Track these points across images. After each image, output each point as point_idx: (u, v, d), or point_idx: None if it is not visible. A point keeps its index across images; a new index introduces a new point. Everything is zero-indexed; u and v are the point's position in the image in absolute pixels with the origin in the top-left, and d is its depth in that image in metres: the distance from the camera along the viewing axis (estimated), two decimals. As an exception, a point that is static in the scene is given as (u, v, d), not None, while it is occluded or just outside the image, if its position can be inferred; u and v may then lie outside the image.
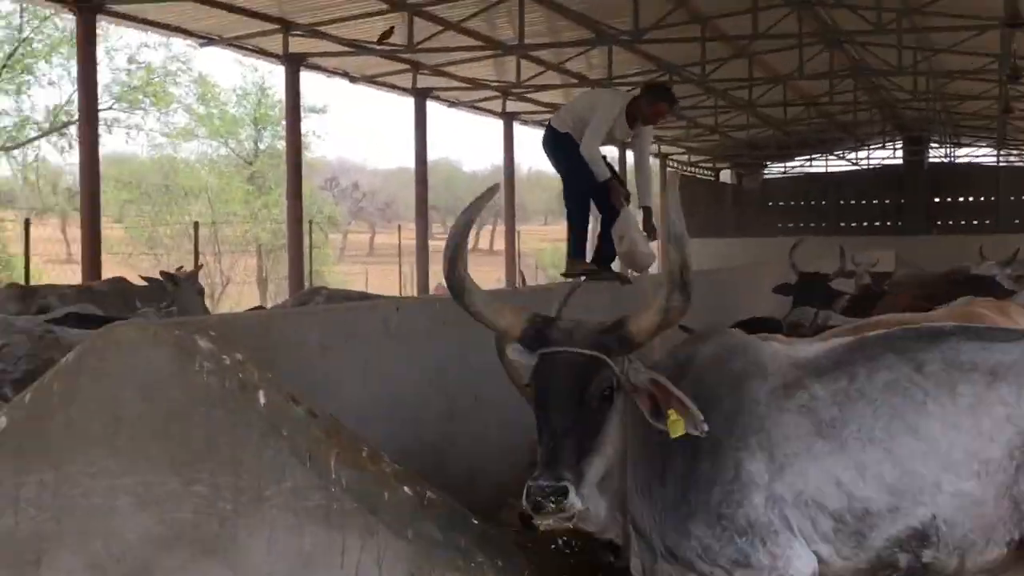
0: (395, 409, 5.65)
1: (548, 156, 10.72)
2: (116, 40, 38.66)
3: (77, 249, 18.72)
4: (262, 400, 3.92)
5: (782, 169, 50.10)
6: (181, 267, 17.51)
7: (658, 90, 10.84)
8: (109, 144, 46.28)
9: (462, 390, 6.00)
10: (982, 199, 47.52)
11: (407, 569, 3.82)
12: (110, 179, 38.78)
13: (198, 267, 17.64)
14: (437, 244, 35.06)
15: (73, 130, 29.00)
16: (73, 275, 19.39)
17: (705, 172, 47.87)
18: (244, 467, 3.88)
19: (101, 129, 20.67)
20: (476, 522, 3.98)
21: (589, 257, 10.67)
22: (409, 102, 27.86)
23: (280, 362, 4.63)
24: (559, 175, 10.74)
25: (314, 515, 3.85)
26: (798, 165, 50.50)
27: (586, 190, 10.19)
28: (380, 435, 5.17)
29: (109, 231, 27.49)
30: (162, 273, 15.68)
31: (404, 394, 5.78)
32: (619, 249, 10.23)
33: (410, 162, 29.04)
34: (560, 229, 33.42)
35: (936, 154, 48.59)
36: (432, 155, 30.54)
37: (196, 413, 3.91)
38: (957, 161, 48.94)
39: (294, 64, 22.86)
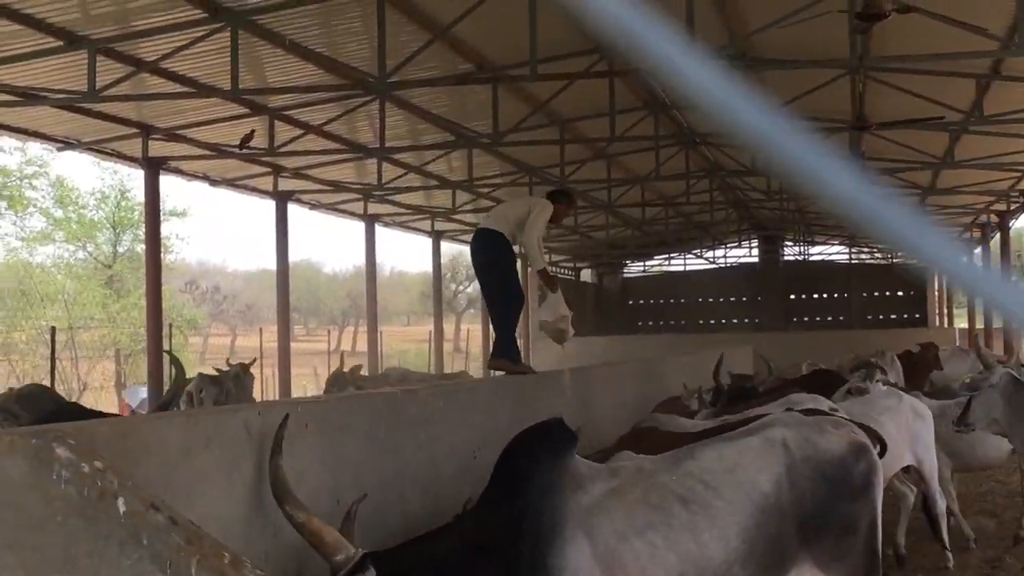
0: (258, 512, 5.61)
1: (482, 254, 11.83)
2: (-31, 144, 38.37)
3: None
4: (122, 508, 3.87)
5: (642, 268, 50.75)
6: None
7: (565, 195, 12.45)
8: (-40, 247, 45.65)
9: (321, 492, 5.96)
10: (835, 295, 48.62)
11: None
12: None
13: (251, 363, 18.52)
14: (299, 346, 34.84)
15: (-75, 235, 28.37)
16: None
17: (566, 271, 48.36)
18: (103, 576, 3.82)
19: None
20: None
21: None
22: (270, 204, 27.82)
23: (141, 468, 4.59)
24: (487, 274, 11.89)
25: (176, 625, 3.80)
26: (657, 264, 51.21)
27: (517, 289, 11.88)
28: (243, 538, 5.13)
29: (-38, 336, 27.00)
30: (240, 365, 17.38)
31: (266, 497, 5.74)
32: (550, 324, 11.80)
33: (271, 264, 28.98)
34: (422, 330, 33.59)
35: (791, 252, 49.63)
36: (293, 256, 30.53)
37: (53, 523, 3.84)
38: (811, 259, 50.00)
39: (154, 168, 22.71)
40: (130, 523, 3.88)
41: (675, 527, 5.46)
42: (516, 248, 11.81)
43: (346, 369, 19.52)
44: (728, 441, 6.10)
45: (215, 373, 17.02)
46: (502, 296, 11.80)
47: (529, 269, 11.73)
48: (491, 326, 12.26)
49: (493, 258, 11.75)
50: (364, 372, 21.24)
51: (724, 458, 5.83)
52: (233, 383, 16.34)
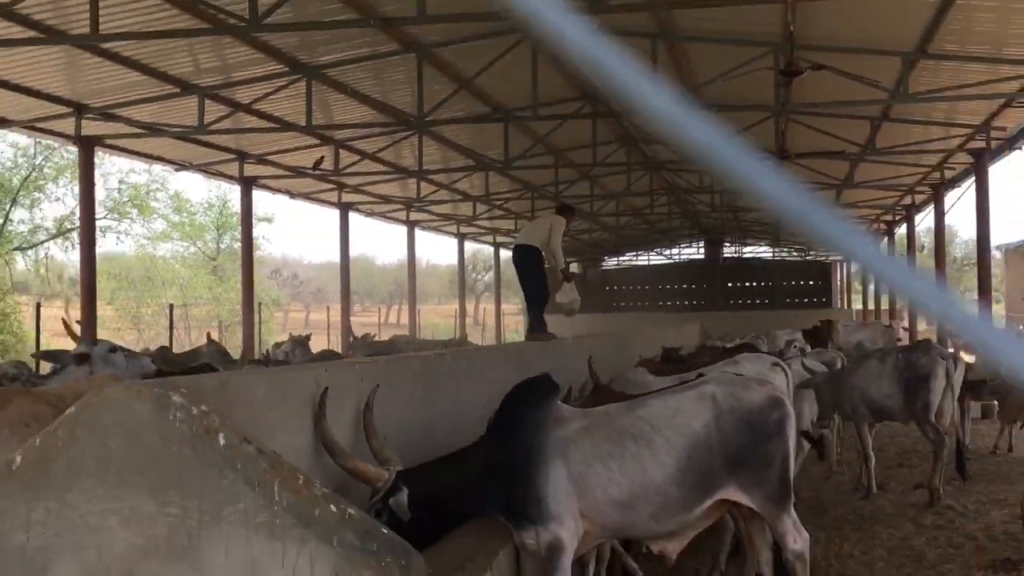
0: (322, 447, 5.60)
1: (522, 262, 12.46)
2: (110, 165, 38.63)
3: (77, 326, 18.44)
4: (222, 441, 3.87)
5: (616, 262, 50.70)
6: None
7: (570, 208, 13.25)
8: (103, 245, 45.82)
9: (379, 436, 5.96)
10: (762, 284, 48.48)
11: (333, 568, 3.79)
12: (103, 272, 38.27)
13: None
14: (356, 319, 34.81)
15: (75, 235, 28.45)
16: (73, 345, 19.11)
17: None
18: (207, 493, 3.82)
19: (96, 234, 20.33)
20: (385, 531, 3.95)
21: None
22: (336, 212, 27.83)
23: (235, 412, 4.59)
24: (525, 275, 12.52)
25: (261, 529, 3.80)
26: (628, 259, 51.17)
27: (545, 285, 12.53)
28: (312, 465, 5.13)
29: (102, 311, 27.04)
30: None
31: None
32: (566, 304, 12.80)
33: (336, 257, 29.00)
34: (450, 308, 33.57)
35: (729, 251, 49.58)
36: (353, 252, 30.50)
37: (170, 452, 3.85)
38: (744, 256, 49.94)
39: (248, 184, 22.75)
40: (227, 453, 3.87)
41: (627, 457, 5.70)
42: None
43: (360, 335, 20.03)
44: (673, 394, 6.21)
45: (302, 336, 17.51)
46: (537, 291, 12.57)
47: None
48: (526, 310, 13.24)
49: (529, 264, 12.48)
50: (377, 338, 21.45)
51: (668, 406, 5.99)
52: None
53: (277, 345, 18.49)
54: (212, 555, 3.82)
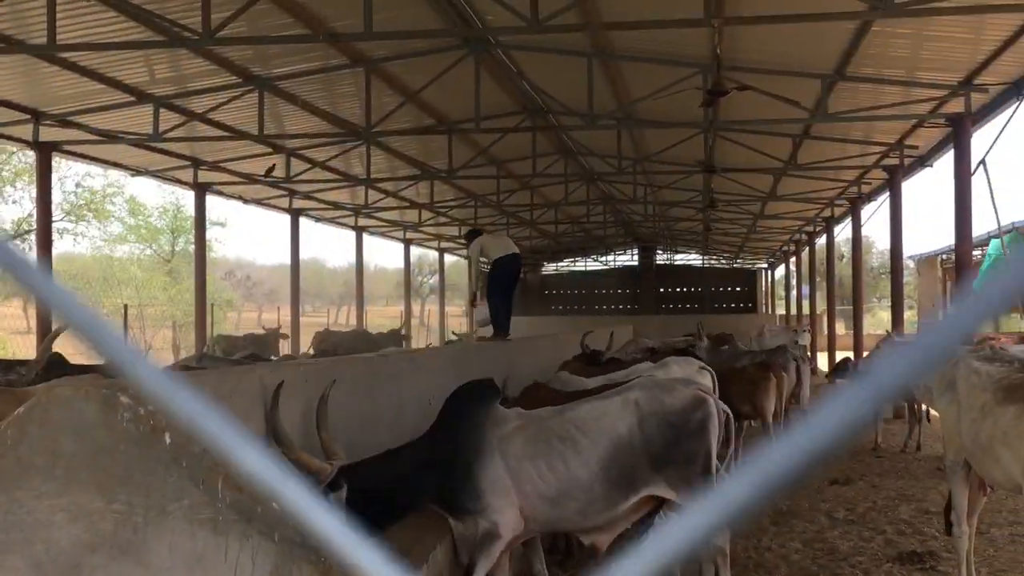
0: (268, 444, 5.57)
1: (512, 268, 12.86)
2: (67, 169, 38.07)
3: (35, 323, 18.19)
4: (168, 440, 3.85)
5: (555, 267, 50.83)
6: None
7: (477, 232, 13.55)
8: (60, 247, 45.21)
9: (312, 436, 5.94)
10: (692, 289, 48.88)
11: (274, 563, 3.77)
12: (60, 273, 37.78)
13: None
14: (307, 319, 34.57)
15: (33, 237, 27.98)
16: (31, 343, 18.90)
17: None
18: (153, 490, 3.79)
19: (53, 236, 20.05)
20: (325, 527, 3.94)
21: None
22: (287, 218, 27.63)
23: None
24: (509, 281, 12.93)
25: (205, 525, 3.78)
26: (566, 265, 51.31)
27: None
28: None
29: (59, 310, 26.71)
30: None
31: (276, 433, 5.72)
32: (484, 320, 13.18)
33: (289, 260, 28.77)
34: (396, 310, 33.46)
35: (661, 258, 49.90)
36: (303, 255, 30.31)
37: (117, 450, 3.82)
38: (676, 263, 50.28)
39: (201, 190, 22.55)
40: (174, 451, 3.85)
41: (554, 456, 5.86)
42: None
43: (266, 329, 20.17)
44: (600, 399, 6.40)
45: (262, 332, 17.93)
46: (511, 296, 13.22)
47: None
48: (501, 312, 13.05)
49: (518, 272, 13.18)
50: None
51: (594, 410, 6.17)
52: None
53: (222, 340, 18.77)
54: (157, 550, 3.79)
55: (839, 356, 22.26)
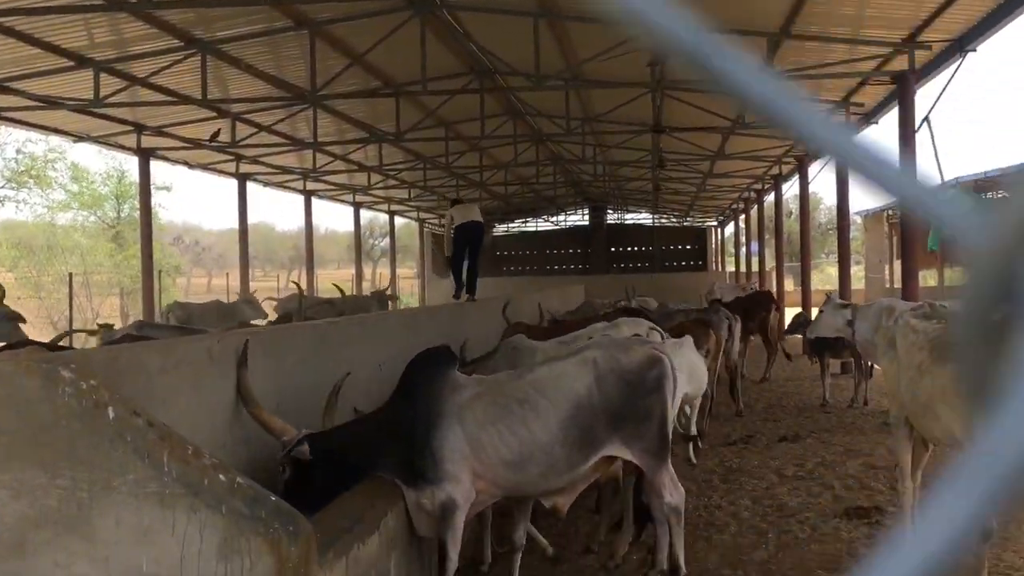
0: (215, 416, 5.53)
1: (477, 234, 14.43)
2: (6, 135, 37.33)
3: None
4: (111, 414, 3.80)
5: (506, 228, 50.79)
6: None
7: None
8: (2, 214, 44.59)
9: (265, 401, 5.91)
10: (643, 248, 49.06)
11: (222, 535, 3.76)
12: (2, 241, 37.28)
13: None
14: (257, 284, 34.34)
15: (-27, 204, 27.50)
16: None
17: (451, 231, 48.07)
18: (97, 465, 3.75)
19: (-5, 204, 19.76)
20: (273, 499, 3.93)
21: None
22: (234, 183, 27.33)
23: (126, 384, 4.51)
24: (466, 244, 14.36)
25: (151, 499, 3.75)
26: (517, 226, 51.26)
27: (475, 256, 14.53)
28: (205, 436, 5.06)
29: (3, 277, 26.31)
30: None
31: (224, 404, 5.68)
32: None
33: (237, 225, 28.49)
34: (347, 273, 33.38)
35: (612, 218, 49.99)
36: (252, 219, 30.05)
37: (60, 426, 3.77)
38: (626, 222, 50.41)
39: (145, 156, 22.20)
40: (117, 425, 3.81)
41: (514, 420, 5.84)
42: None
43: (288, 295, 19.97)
44: (557, 360, 6.41)
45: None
46: (475, 260, 14.67)
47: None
48: (468, 275, 14.77)
49: (478, 237, 14.51)
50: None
51: (552, 372, 6.16)
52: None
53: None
54: (103, 524, 3.76)
55: (788, 313, 22.51)
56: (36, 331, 27.80)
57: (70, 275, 22.85)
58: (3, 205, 38.81)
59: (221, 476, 3.87)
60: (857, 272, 36.87)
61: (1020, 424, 0.54)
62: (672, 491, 6.32)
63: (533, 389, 5.97)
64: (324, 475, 5.55)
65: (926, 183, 0.62)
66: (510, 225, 51.07)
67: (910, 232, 16.32)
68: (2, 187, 37.78)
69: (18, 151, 39.40)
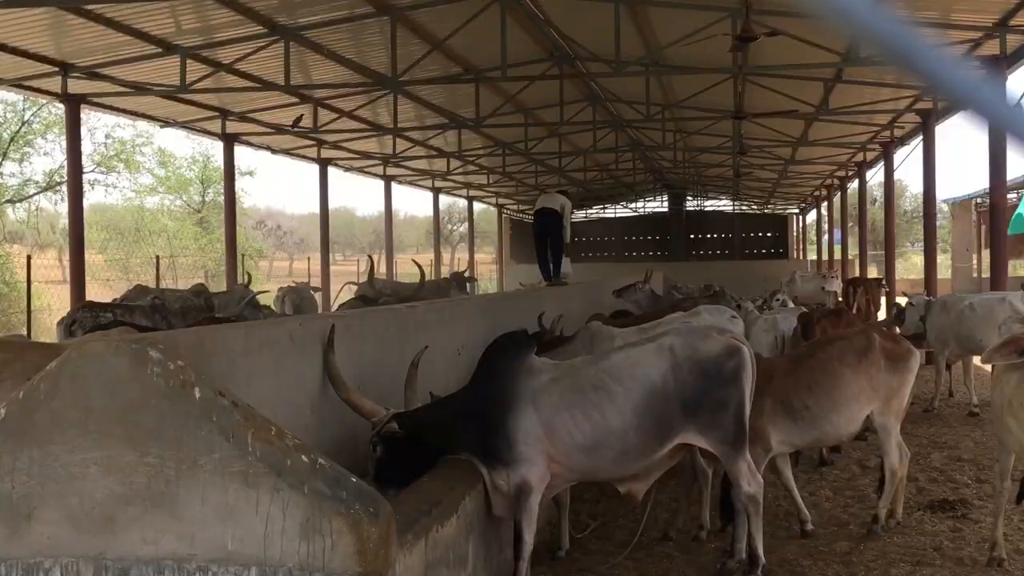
0: (297, 397, 5.62)
1: (548, 224, 15.21)
2: (96, 120, 38.23)
3: (69, 273, 18.46)
4: (197, 394, 3.88)
5: (584, 215, 50.66)
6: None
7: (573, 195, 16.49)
8: (92, 197, 45.64)
9: (347, 379, 5.98)
10: (722, 236, 48.60)
11: (304, 515, 3.81)
12: (93, 223, 38.18)
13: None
14: (337, 268, 34.74)
15: (65, 187, 28.22)
16: (65, 292, 19.14)
17: (529, 218, 48.14)
18: (184, 443, 3.83)
19: (85, 187, 20.21)
20: (354, 480, 3.97)
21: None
22: (316, 168, 27.66)
23: (212, 365, 4.60)
24: (552, 236, 15.23)
25: (236, 478, 3.82)
26: (596, 212, 51.11)
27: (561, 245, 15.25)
28: (286, 417, 5.15)
29: (93, 260, 26.93)
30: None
31: (306, 387, 5.76)
32: (564, 269, 15.47)
33: (318, 209, 28.84)
34: (426, 257, 33.58)
35: (691, 205, 49.61)
36: (333, 204, 30.43)
37: (148, 405, 3.86)
38: (706, 209, 49.98)
39: (230, 141, 22.58)
40: (203, 405, 3.88)
41: (588, 405, 5.88)
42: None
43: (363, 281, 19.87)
44: (634, 347, 6.42)
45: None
46: (558, 247, 15.21)
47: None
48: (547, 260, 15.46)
49: (553, 225, 15.12)
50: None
51: (628, 358, 6.17)
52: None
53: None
54: (190, 502, 3.84)
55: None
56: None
57: (157, 258, 23.30)
58: (93, 188, 39.77)
59: (303, 457, 3.92)
60: (944, 261, 36.09)
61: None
62: (750, 480, 6.27)
63: (607, 375, 5.98)
64: (409, 455, 5.66)
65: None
66: (588, 211, 50.94)
67: (999, 220, 15.93)
68: (92, 171, 38.68)
69: (107, 136, 40.48)
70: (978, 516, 8.08)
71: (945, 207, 40.13)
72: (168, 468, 3.85)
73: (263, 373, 5.22)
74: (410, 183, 35.54)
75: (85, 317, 11.51)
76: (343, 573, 3.74)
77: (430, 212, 39.26)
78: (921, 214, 24.36)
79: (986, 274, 22.31)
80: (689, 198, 49.13)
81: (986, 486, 8.93)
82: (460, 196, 42.52)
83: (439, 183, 36.17)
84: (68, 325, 11.48)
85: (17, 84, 17.16)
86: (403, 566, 4.28)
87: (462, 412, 5.93)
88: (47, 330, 23.78)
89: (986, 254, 27.33)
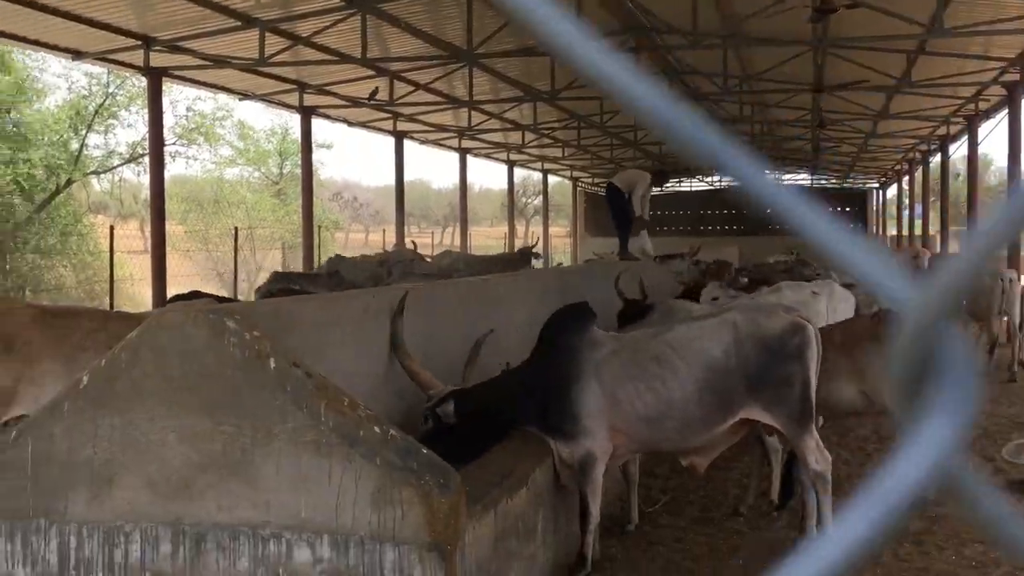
0: (371, 369, 5.68)
1: (610, 199, 16.83)
2: (178, 93, 38.79)
3: (151, 243, 18.89)
4: (272, 365, 3.95)
5: (660, 189, 50.17)
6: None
7: (663, 175, 17.35)
8: (173, 169, 46.41)
9: (420, 356, 6.04)
10: (800, 210, 47.86)
11: (375, 485, 3.86)
12: (174, 194, 38.83)
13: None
14: (412, 241, 35.08)
15: (147, 159, 28.78)
16: (146, 262, 19.59)
17: (603, 191, 47.95)
18: (258, 413, 3.91)
19: (166, 159, 20.57)
20: (424, 451, 4.02)
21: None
22: (391, 140, 27.80)
23: (286, 336, 4.66)
24: (615, 210, 16.66)
25: (309, 447, 3.88)
26: (671, 185, 50.68)
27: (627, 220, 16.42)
28: (359, 388, 5.21)
29: (173, 230, 27.42)
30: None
31: (379, 358, 5.82)
32: (634, 251, 16.44)
33: (394, 181, 29.01)
34: (500, 230, 33.65)
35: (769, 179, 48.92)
36: (409, 176, 30.55)
37: (224, 374, 3.93)
38: (784, 183, 49.20)
39: (307, 113, 22.80)
40: (278, 376, 3.95)
41: (650, 377, 5.94)
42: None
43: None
44: (696, 321, 6.50)
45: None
46: (622, 223, 16.31)
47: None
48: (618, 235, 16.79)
49: (615, 201, 16.42)
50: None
51: (689, 332, 6.23)
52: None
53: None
54: (264, 470, 3.92)
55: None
56: (203, 283, 28.98)
57: (235, 229, 23.70)
58: (174, 160, 40.43)
59: (375, 428, 3.98)
60: (1028, 238, 35.16)
61: (913, 466, 0.64)
62: (818, 457, 6.22)
63: (669, 348, 6.03)
64: (470, 429, 5.70)
65: (873, 254, 0.66)
66: (664, 185, 50.47)
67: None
68: (173, 143, 39.29)
69: (188, 108, 40.93)
70: (1059, 499, 7.91)
71: (1031, 182, 39.13)
72: (243, 437, 3.93)
73: (338, 344, 5.28)
74: (485, 156, 35.56)
75: (280, 287, 12.53)
76: (413, 543, 3.79)
77: (505, 185, 39.28)
78: (1005, 189, 23.78)
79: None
80: (766, 172, 48.41)
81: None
82: (535, 169, 42.46)
83: (514, 156, 36.15)
84: (265, 294, 12.32)
85: (102, 57, 17.47)
86: (473, 536, 4.32)
87: (523, 385, 5.98)
88: (129, 298, 24.29)
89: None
